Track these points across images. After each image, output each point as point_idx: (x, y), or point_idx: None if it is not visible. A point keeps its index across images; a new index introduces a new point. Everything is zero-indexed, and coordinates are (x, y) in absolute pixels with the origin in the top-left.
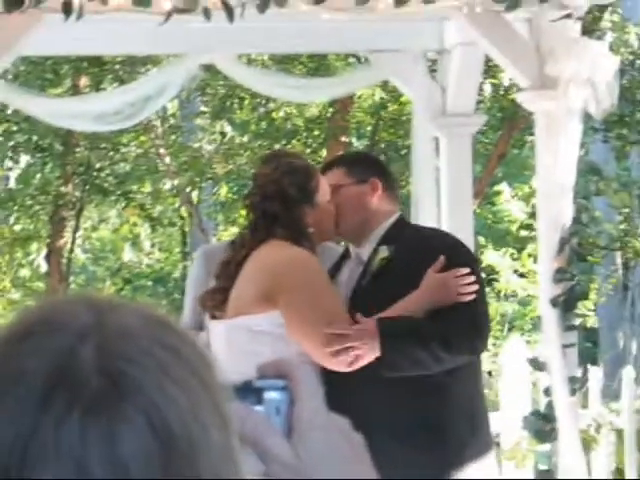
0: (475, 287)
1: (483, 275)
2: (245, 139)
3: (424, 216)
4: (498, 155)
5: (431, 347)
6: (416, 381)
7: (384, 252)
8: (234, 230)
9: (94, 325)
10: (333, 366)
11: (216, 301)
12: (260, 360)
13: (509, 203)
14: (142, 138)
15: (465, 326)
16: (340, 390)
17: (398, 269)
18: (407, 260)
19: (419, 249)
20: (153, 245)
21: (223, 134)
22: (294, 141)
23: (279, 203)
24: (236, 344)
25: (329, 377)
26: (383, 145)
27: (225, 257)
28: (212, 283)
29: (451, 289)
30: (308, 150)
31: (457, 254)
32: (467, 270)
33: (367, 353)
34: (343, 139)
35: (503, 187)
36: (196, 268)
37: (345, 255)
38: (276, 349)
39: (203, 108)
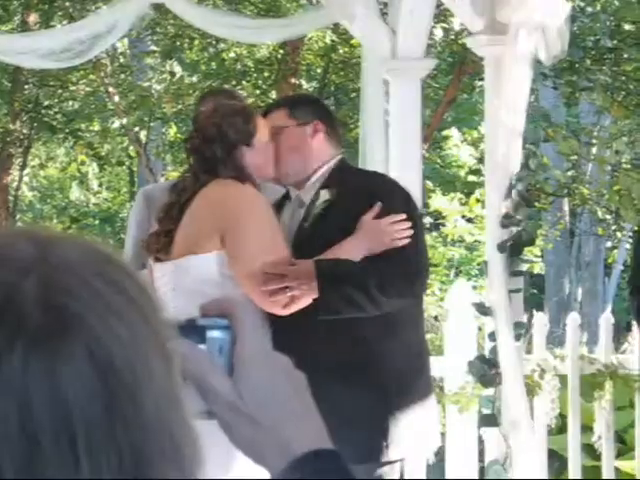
0: (410, 232)
1: (430, 220)
2: (195, 79)
3: (372, 160)
4: (447, 100)
5: (367, 289)
6: (361, 324)
7: (325, 195)
8: (182, 170)
9: (36, 259)
10: (268, 307)
11: (161, 244)
12: (208, 299)
13: (458, 148)
14: (91, 76)
15: (401, 270)
16: (287, 333)
17: (339, 213)
18: (348, 204)
19: (359, 193)
20: (101, 184)
21: (172, 74)
22: (244, 82)
23: (219, 146)
24: (183, 284)
25: (275, 319)
26: (333, 88)
27: (167, 200)
28: (155, 226)
29: (386, 235)
30: (258, 91)
31: (394, 198)
32: (403, 215)
33: (304, 294)
34: (293, 81)
35: (452, 132)
36: (137, 210)
37: (286, 197)
38: (224, 289)
39: (153, 47)
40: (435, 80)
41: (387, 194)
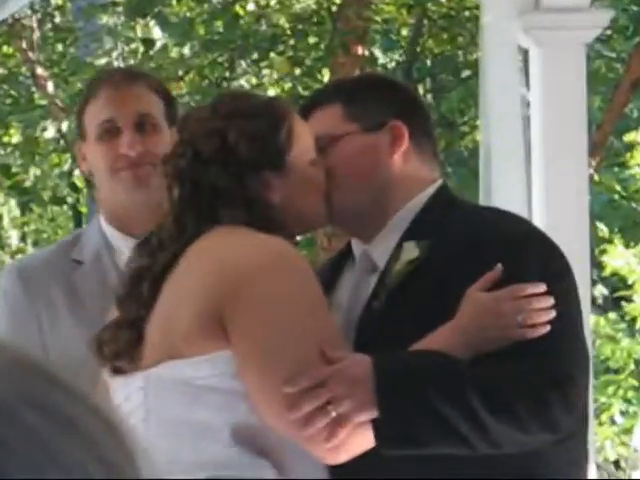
0: (551, 315)
1: (604, 291)
2: (186, 51)
3: (502, 186)
4: (633, 80)
5: (469, 406)
6: (461, 469)
7: (412, 252)
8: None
9: None
10: (307, 445)
11: (122, 343)
12: (207, 437)
13: None
14: (6, 49)
15: (532, 380)
16: (350, 473)
17: (434, 282)
18: (449, 266)
19: (468, 248)
20: (24, 237)
21: (148, 42)
22: (273, 55)
23: (222, 169)
24: (164, 410)
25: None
26: (428, 61)
27: (133, 268)
28: (112, 314)
29: (508, 319)
30: (298, 71)
31: (528, 255)
32: (541, 286)
33: (353, 414)
34: (359, 51)
35: None
36: (9, 301)
37: (345, 256)
38: (235, 417)
39: None
40: (610, 47)
41: (516, 248)
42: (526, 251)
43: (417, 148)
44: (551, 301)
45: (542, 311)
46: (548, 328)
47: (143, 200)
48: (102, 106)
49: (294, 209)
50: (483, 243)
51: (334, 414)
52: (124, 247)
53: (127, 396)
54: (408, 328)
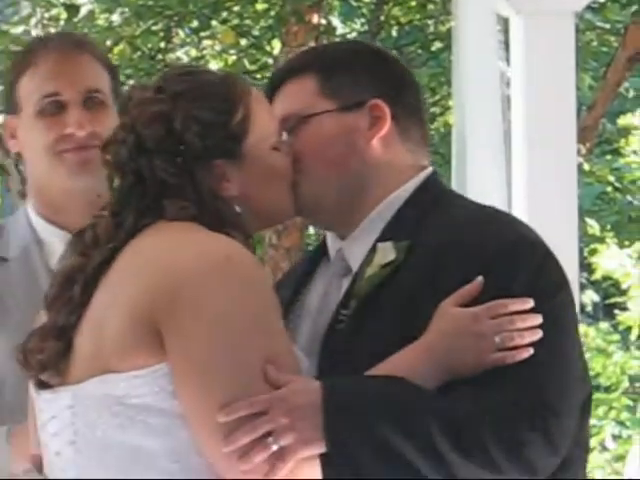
0: (536, 337)
1: (596, 297)
2: (116, 18)
3: (479, 177)
4: (629, 55)
5: (429, 440)
6: None
7: (387, 254)
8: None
9: None
10: None
11: (49, 353)
12: (142, 464)
13: None
14: None
15: (509, 414)
16: None
17: (409, 289)
18: (426, 273)
19: (448, 253)
20: None
21: (71, 8)
22: (215, 23)
23: (168, 159)
24: (94, 432)
25: None
26: (394, 31)
27: (64, 268)
28: (41, 319)
29: (486, 340)
30: (244, 42)
31: (515, 266)
32: (527, 302)
33: (297, 446)
34: (314, 19)
35: (638, 120)
36: None
37: (319, 254)
38: (174, 443)
39: None
40: (603, 16)
41: (502, 256)
42: (514, 260)
43: (401, 131)
44: (538, 320)
45: (526, 331)
46: (531, 352)
47: (85, 188)
48: (45, 77)
49: (255, 202)
50: (466, 249)
51: (275, 447)
52: (56, 242)
53: (54, 415)
54: (377, 344)
